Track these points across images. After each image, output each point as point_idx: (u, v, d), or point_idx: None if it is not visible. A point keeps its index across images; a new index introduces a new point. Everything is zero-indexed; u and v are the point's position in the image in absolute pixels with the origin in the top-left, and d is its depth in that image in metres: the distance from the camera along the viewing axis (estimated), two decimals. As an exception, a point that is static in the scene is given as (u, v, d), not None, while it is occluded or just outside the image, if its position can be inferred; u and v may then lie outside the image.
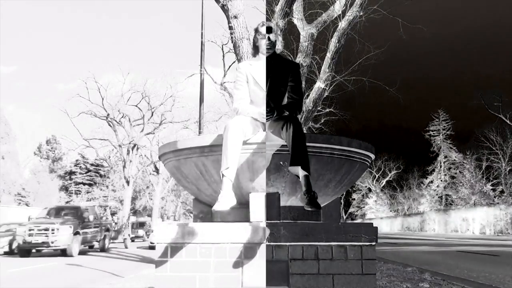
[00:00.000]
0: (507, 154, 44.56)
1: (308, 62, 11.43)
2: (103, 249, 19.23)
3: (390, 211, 65.62)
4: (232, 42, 9.45)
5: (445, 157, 56.19)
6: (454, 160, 53.58)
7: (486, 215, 36.42)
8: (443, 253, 14.62)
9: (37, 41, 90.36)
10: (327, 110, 19.52)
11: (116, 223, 23.96)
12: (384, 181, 66.21)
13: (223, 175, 3.10)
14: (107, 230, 19.77)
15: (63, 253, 15.89)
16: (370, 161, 3.85)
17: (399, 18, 13.27)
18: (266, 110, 3.31)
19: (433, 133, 58.02)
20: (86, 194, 42.92)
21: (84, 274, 10.37)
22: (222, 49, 20.97)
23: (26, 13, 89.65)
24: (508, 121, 43.27)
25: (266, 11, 12.57)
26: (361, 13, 11.71)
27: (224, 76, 20.92)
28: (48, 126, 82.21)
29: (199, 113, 13.02)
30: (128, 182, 44.10)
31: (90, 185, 46.63)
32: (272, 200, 3.23)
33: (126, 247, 22.29)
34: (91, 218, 17.89)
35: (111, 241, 21.08)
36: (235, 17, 8.92)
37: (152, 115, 44.85)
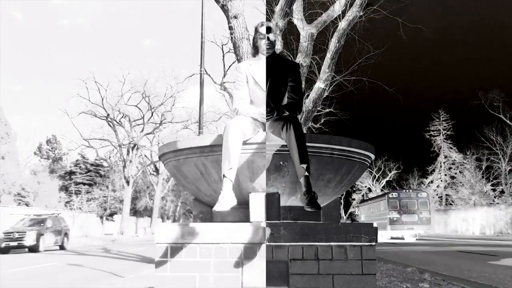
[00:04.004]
0: (507, 154, 44.60)
1: (308, 62, 11.42)
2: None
3: (390, 211, 65.54)
4: (232, 42, 9.44)
5: (445, 157, 56.16)
6: (454, 160, 53.58)
7: (486, 215, 36.41)
8: (443, 253, 14.62)
9: (37, 43, 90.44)
10: (327, 110, 19.54)
11: None
12: (384, 181, 66.19)
13: (224, 175, 3.09)
14: None
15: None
16: (370, 161, 3.85)
17: (399, 18, 13.28)
18: (266, 110, 3.31)
19: (434, 133, 58.01)
20: (86, 194, 42.86)
21: (84, 274, 10.36)
22: (222, 49, 21.01)
23: (25, 14, 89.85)
24: (508, 121, 43.34)
25: (266, 11, 12.58)
26: (361, 13, 11.71)
27: (224, 76, 20.94)
28: (48, 126, 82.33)
29: (199, 113, 13.01)
30: (128, 182, 44.10)
31: (90, 185, 46.53)
32: (272, 200, 3.23)
33: None
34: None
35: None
36: (235, 17, 8.91)
37: (152, 115, 44.91)
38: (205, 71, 14.93)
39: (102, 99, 42.82)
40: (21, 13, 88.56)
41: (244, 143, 3.21)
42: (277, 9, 9.94)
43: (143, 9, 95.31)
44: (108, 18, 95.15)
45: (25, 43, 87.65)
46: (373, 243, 3.06)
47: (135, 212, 53.51)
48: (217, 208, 3.00)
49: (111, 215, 46.69)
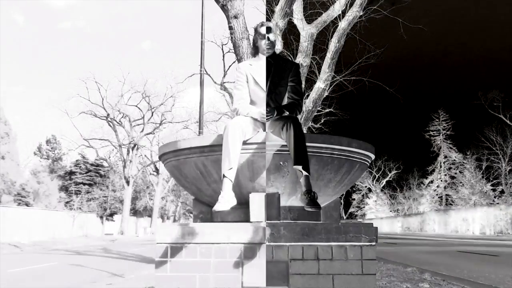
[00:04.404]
0: (507, 154, 44.60)
1: (308, 62, 11.40)
2: None
3: (390, 211, 65.61)
4: (232, 42, 9.43)
5: (445, 157, 56.18)
6: (454, 160, 53.59)
7: (486, 215, 36.39)
8: (443, 253, 14.61)
9: (38, 44, 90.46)
10: (327, 110, 19.53)
11: None
12: (384, 181, 66.25)
13: (224, 175, 3.09)
14: None
15: None
16: (370, 161, 3.84)
17: (399, 18, 13.28)
18: (266, 110, 3.31)
19: (433, 133, 58.02)
20: (86, 194, 42.84)
21: (84, 274, 10.37)
22: (222, 49, 21.00)
23: (25, 17, 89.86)
24: (508, 121, 43.35)
25: (266, 11, 12.56)
26: (361, 13, 11.70)
27: (224, 76, 20.94)
28: (48, 126, 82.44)
29: (199, 113, 13.01)
30: (128, 182, 44.10)
31: (90, 185, 46.54)
32: (272, 200, 3.23)
33: None
34: None
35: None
36: (235, 17, 8.91)
37: (152, 115, 44.93)
38: (205, 71, 14.94)
39: (102, 99, 42.87)
40: (22, 16, 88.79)
41: (244, 143, 3.21)
42: (277, 9, 9.93)
43: (142, 10, 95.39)
44: (108, 20, 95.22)
45: (26, 45, 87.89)
46: (373, 243, 3.06)
47: (135, 212, 53.50)
48: (217, 208, 3.00)
49: (111, 215, 46.67)
